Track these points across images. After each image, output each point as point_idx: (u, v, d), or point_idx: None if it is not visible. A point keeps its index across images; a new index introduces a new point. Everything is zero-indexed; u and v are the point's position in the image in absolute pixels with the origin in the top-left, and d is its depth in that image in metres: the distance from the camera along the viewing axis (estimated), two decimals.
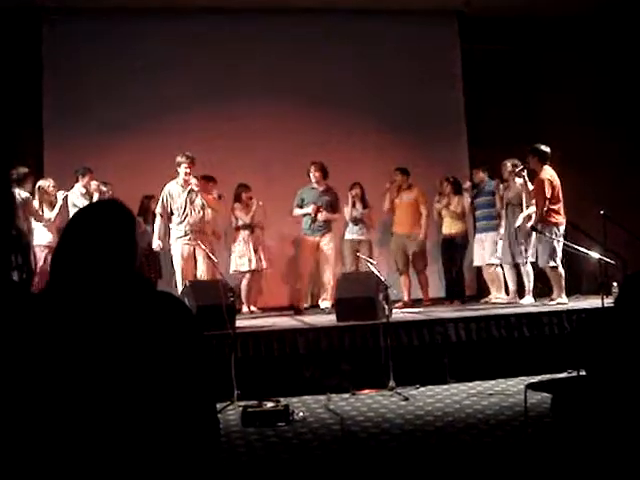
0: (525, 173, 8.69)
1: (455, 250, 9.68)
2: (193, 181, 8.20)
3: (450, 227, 9.68)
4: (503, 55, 10.96)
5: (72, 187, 8.54)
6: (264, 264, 9.48)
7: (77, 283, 1.68)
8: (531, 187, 8.62)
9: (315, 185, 9.07)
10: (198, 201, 8.22)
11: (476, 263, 9.46)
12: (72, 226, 1.76)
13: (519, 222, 8.68)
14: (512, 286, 9.00)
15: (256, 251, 9.41)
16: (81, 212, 1.81)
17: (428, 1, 10.73)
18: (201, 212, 8.26)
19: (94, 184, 8.56)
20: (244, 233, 9.35)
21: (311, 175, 9.03)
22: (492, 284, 9.38)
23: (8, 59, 9.71)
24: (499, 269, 9.12)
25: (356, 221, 9.43)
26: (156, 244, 8.30)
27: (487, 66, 10.95)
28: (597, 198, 8.93)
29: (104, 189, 8.59)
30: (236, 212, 9.37)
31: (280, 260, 10.26)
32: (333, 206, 9.14)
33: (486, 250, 9.20)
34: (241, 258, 9.32)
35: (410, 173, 9.51)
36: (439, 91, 10.96)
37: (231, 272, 9.24)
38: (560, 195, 8.33)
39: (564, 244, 8.12)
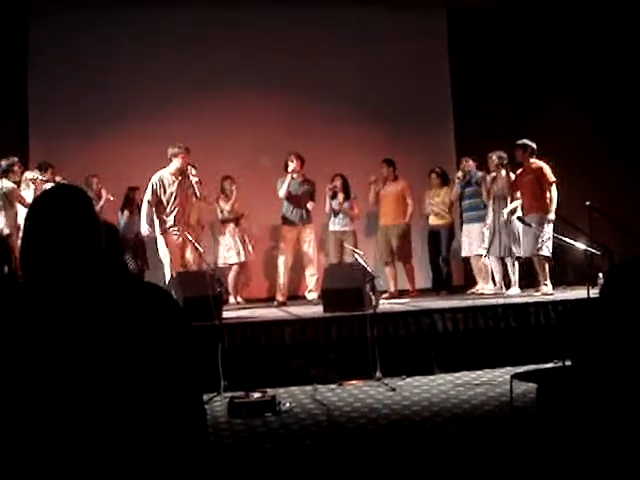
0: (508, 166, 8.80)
1: (441, 241, 9.71)
2: (193, 171, 8.15)
3: (436, 219, 9.70)
4: (491, 47, 10.96)
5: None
6: (249, 257, 9.55)
7: (51, 273, 1.66)
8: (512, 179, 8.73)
9: (294, 175, 9.04)
10: (189, 191, 8.17)
11: (464, 254, 9.49)
12: (31, 217, 1.74)
13: (505, 215, 8.72)
14: (498, 277, 9.04)
15: (243, 243, 9.47)
16: (37, 201, 1.79)
17: None
18: (191, 203, 8.22)
19: (56, 180, 8.49)
20: (230, 225, 9.42)
21: (291, 164, 8.98)
22: (479, 275, 9.42)
23: None
24: (487, 260, 9.14)
25: (336, 213, 9.43)
26: (144, 229, 8.16)
27: (475, 58, 10.95)
28: (583, 190, 8.96)
29: (64, 182, 8.49)
30: (220, 203, 9.46)
31: (265, 250, 10.29)
32: (311, 196, 9.15)
33: (474, 241, 9.22)
34: (229, 251, 9.41)
35: (396, 164, 9.52)
36: (426, 82, 10.96)
37: (220, 265, 9.28)
38: None
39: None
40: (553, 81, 10.40)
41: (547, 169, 8.41)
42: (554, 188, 8.35)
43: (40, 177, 8.27)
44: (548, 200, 8.32)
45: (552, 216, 8.30)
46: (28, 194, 8.13)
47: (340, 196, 9.41)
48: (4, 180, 7.92)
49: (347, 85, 10.58)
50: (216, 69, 10.33)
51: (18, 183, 8.20)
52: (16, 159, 8.14)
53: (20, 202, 8.00)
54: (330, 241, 9.55)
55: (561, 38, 10.36)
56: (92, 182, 8.91)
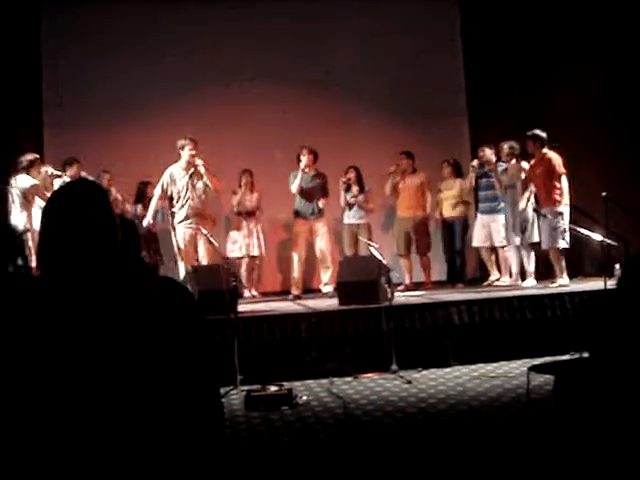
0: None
1: (455, 233, 9.67)
2: (200, 162, 8.16)
3: (450, 210, 9.67)
4: (505, 37, 10.87)
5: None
6: (256, 251, 9.52)
7: (68, 267, 1.67)
8: (525, 168, 8.68)
9: (306, 169, 9.04)
10: (200, 184, 8.19)
11: (475, 244, 9.45)
12: (48, 212, 1.75)
13: (522, 205, 8.66)
14: (515, 268, 8.97)
15: (252, 237, 9.47)
16: (53, 196, 1.80)
17: None
18: (203, 196, 8.24)
19: (82, 175, 8.53)
20: (238, 218, 9.46)
21: (303, 158, 8.98)
22: (492, 266, 9.40)
23: (6, 50, 9.67)
24: (507, 252, 9.08)
25: (351, 206, 9.42)
26: (146, 220, 8.30)
27: (489, 48, 10.87)
28: (601, 180, 8.90)
29: (90, 179, 8.53)
30: (234, 196, 9.48)
31: (278, 244, 10.30)
32: (323, 189, 9.15)
33: (491, 232, 9.18)
34: (234, 244, 9.44)
35: (414, 157, 9.49)
36: (440, 73, 10.91)
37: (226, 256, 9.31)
38: None
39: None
40: (569, 70, 10.30)
41: (556, 160, 8.29)
42: (564, 179, 8.24)
43: (56, 172, 8.29)
44: (558, 192, 8.24)
45: (563, 208, 8.19)
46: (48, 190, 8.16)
47: (354, 189, 9.39)
48: (26, 176, 7.94)
49: (359, 77, 10.53)
50: (226, 64, 10.30)
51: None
52: (37, 155, 8.17)
53: (41, 198, 8.01)
54: (345, 234, 9.55)
55: (577, 27, 10.27)
56: (103, 178, 8.89)
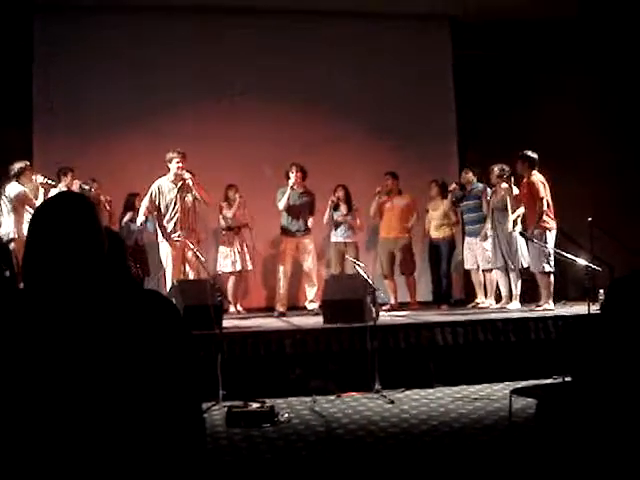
0: (511, 179, 8.77)
1: (441, 254, 9.69)
2: (187, 175, 8.14)
3: (436, 231, 9.69)
4: (495, 61, 10.96)
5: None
6: (249, 265, 9.53)
7: (52, 279, 1.66)
8: (516, 192, 8.70)
9: (295, 186, 9.05)
10: (189, 197, 8.18)
11: (467, 266, 9.46)
12: (35, 223, 1.74)
13: (510, 226, 8.64)
14: (504, 291, 8.95)
15: (241, 252, 9.46)
16: (40, 208, 1.79)
17: (420, 6, 10.73)
18: (192, 209, 8.23)
19: (76, 184, 8.51)
20: (229, 234, 9.43)
21: (292, 175, 9.00)
22: (480, 288, 9.40)
23: None
24: (492, 274, 9.08)
25: (338, 224, 9.44)
26: (139, 220, 8.48)
27: (479, 69, 10.95)
28: (587, 205, 8.95)
29: (85, 187, 8.54)
30: (223, 212, 9.45)
31: (265, 260, 10.29)
32: (310, 207, 9.17)
33: (476, 254, 9.20)
34: (225, 259, 9.42)
35: (399, 177, 9.53)
36: (430, 95, 10.98)
37: (218, 273, 9.28)
38: (550, 200, 8.33)
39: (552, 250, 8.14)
40: (560, 95, 10.37)
41: (539, 184, 8.25)
42: (545, 203, 8.22)
43: (48, 181, 8.26)
44: (539, 216, 8.23)
45: (546, 231, 8.15)
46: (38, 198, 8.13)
47: (343, 207, 9.41)
48: (15, 184, 7.91)
49: (350, 96, 10.58)
50: (219, 79, 10.35)
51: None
52: (28, 163, 8.15)
53: (30, 206, 7.98)
54: (332, 252, 9.55)
55: (567, 51, 10.36)
56: (92, 186, 8.86)
